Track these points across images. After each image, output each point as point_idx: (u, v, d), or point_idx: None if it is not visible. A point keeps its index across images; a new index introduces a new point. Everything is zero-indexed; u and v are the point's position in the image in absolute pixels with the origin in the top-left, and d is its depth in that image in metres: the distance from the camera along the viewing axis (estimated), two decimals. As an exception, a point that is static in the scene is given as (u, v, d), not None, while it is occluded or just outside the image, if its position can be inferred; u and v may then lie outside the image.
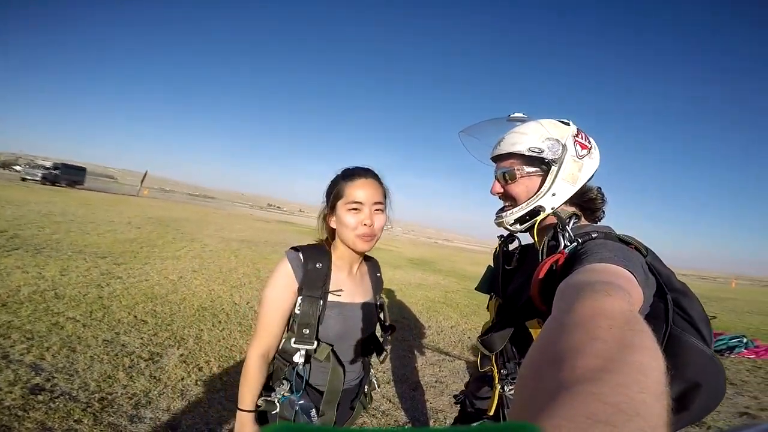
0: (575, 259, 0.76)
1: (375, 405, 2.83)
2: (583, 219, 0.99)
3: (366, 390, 1.30)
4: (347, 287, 1.18)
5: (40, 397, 2.17)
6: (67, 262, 5.19)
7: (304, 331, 1.09)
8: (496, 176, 1.06)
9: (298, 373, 1.12)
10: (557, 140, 0.97)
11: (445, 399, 3.13)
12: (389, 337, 1.28)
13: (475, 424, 1.08)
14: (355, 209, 1.10)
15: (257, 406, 1.12)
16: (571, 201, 0.99)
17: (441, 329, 5.21)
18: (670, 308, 0.80)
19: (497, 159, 1.06)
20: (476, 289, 1.27)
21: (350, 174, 1.14)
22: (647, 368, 0.30)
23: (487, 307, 1.20)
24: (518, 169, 1.00)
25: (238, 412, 1.12)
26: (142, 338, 3.23)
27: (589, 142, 1.01)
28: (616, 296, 0.46)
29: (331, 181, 1.17)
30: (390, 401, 2.95)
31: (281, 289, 1.11)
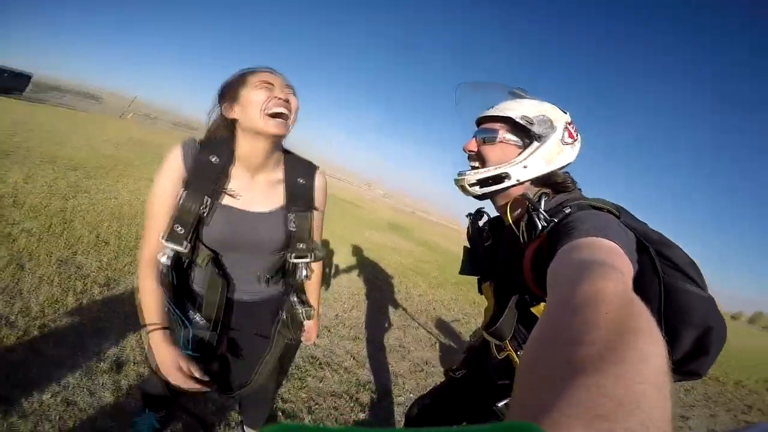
0: (556, 238, 0.75)
1: (338, 360, 2.81)
2: (551, 195, 0.96)
3: (285, 316, 1.18)
4: (245, 191, 1.05)
5: (-29, 320, 1.96)
6: (34, 170, 4.86)
7: (176, 228, 0.95)
8: (475, 135, 1.05)
9: (170, 277, 0.99)
10: (551, 120, 0.97)
11: (405, 364, 3.15)
12: (301, 262, 1.13)
13: (500, 403, 1.03)
14: (265, 87, 0.97)
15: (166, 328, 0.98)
16: (537, 182, 0.98)
17: (409, 296, 5.24)
18: (657, 260, 0.80)
19: (484, 120, 1.05)
20: (460, 273, 1.21)
21: (253, 68, 1.02)
22: (647, 355, 0.30)
23: (480, 291, 1.18)
24: (501, 134, 0.99)
25: (149, 333, 0.97)
26: (100, 261, 3.04)
27: (577, 136, 1.02)
28: (609, 278, 0.45)
29: (228, 80, 1.03)
30: (354, 358, 2.93)
31: (167, 180, 0.98)
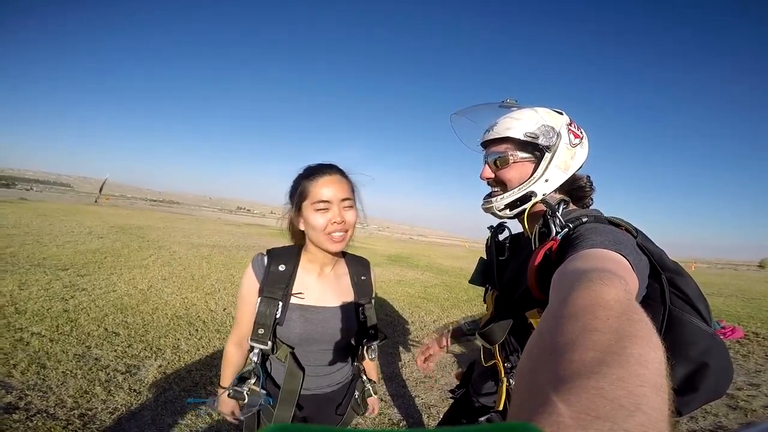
0: (568, 245, 0.75)
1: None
2: (571, 205, 0.99)
3: (357, 396, 1.28)
4: (315, 290, 1.16)
5: (16, 416, 2.02)
6: (25, 276, 4.85)
7: (259, 330, 1.09)
8: (486, 161, 1.04)
9: (261, 368, 1.15)
10: (552, 128, 0.96)
11: (435, 394, 3.13)
12: (372, 345, 1.22)
13: (481, 418, 1.06)
14: (323, 209, 1.06)
15: (228, 394, 1.12)
16: (560, 189, 0.99)
17: (424, 324, 5.22)
18: (666, 289, 0.79)
19: (488, 144, 1.04)
20: (470, 282, 1.26)
21: (313, 171, 1.10)
22: (646, 360, 0.30)
23: (484, 299, 1.19)
24: (512, 155, 0.99)
25: (219, 388, 1.19)
26: (116, 351, 3.06)
27: (581, 132, 1.01)
28: (612, 285, 0.45)
29: (294, 181, 1.14)
30: (381, 400, 2.92)
31: (246, 289, 1.14)
